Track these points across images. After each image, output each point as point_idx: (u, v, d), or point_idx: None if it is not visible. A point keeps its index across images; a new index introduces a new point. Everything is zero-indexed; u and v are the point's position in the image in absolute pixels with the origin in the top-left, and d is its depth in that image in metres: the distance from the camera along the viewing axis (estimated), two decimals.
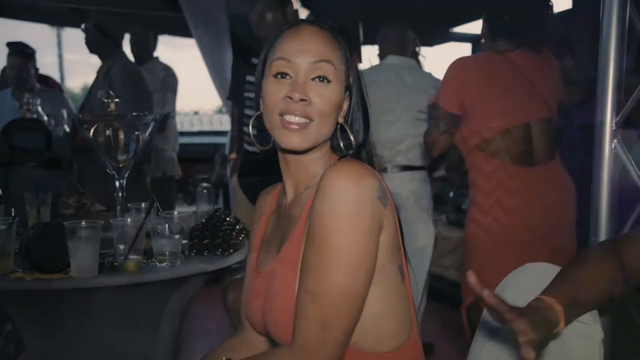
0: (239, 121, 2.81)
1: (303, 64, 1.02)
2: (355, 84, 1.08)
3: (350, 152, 1.08)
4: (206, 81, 4.75)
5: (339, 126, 1.08)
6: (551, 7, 2.23)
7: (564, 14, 4.96)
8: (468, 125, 2.19)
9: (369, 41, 4.41)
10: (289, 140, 1.03)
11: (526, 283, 1.30)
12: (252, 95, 2.66)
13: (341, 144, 1.09)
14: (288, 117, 1.02)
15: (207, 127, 5.93)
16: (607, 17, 1.37)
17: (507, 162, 2.16)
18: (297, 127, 1.01)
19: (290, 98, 1.01)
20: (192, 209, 5.60)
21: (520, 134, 2.16)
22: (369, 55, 5.01)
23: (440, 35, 5.95)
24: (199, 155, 4.96)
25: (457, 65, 2.24)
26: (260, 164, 2.64)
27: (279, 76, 1.03)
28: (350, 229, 0.94)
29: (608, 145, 1.38)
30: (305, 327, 0.95)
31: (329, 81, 1.02)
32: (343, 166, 0.98)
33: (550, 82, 2.26)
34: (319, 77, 1.02)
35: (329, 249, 0.94)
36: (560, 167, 2.26)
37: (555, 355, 1.11)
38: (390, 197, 1.02)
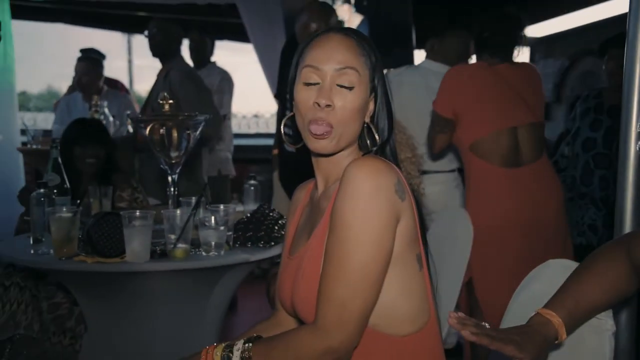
0: (281, 120, 2.93)
1: (329, 70, 1.10)
2: (380, 86, 1.16)
3: (374, 149, 1.17)
4: (264, 85, 4.91)
5: (365, 125, 1.17)
6: (524, 26, 2.48)
7: (626, 15, 4.80)
8: (461, 128, 2.41)
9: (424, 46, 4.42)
10: (316, 145, 1.13)
11: (548, 279, 1.34)
12: None
13: (368, 142, 1.18)
14: (315, 125, 1.11)
15: (264, 130, 6.11)
16: (633, 18, 1.39)
17: (495, 163, 2.37)
18: (322, 133, 1.11)
19: (318, 104, 1.10)
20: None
21: (507, 137, 2.36)
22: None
23: None
24: (255, 156, 5.13)
25: (451, 74, 2.45)
26: (298, 162, 2.75)
27: (308, 83, 1.13)
28: (367, 220, 1.03)
29: (633, 146, 1.39)
30: (325, 308, 1.04)
31: (351, 87, 1.11)
32: (363, 162, 1.06)
33: (534, 91, 2.46)
34: (342, 83, 1.11)
35: (347, 237, 1.03)
36: (547, 166, 2.43)
37: (568, 347, 1.15)
38: (408, 191, 1.10)
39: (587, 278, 1.11)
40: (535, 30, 5.93)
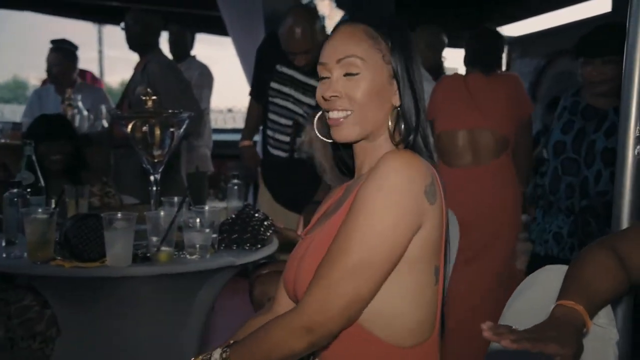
0: (257, 116, 2.87)
1: (332, 64, 1.10)
2: (400, 66, 1.09)
3: (410, 138, 1.09)
4: (241, 79, 4.82)
5: (395, 111, 1.11)
6: (502, 40, 2.83)
7: (603, 16, 4.88)
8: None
9: None
10: (338, 134, 1.11)
11: (546, 284, 1.32)
12: (276, 100, 2.69)
13: (396, 129, 1.10)
14: (331, 114, 1.11)
15: (239, 125, 6.01)
16: (633, 22, 1.37)
17: (442, 161, 2.67)
18: (340, 120, 1.09)
19: (324, 98, 1.10)
20: (223, 204, 5.68)
21: (450, 138, 2.67)
22: None
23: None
24: (232, 152, 5.04)
25: (436, 83, 2.84)
26: (284, 166, 2.70)
27: (321, 79, 1.13)
28: (384, 212, 0.98)
29: (631, 152, 1.37)
30: (314, 285, 0.99)
31: (356, 73, 1.08)
32: (400, 155, 1.02)
33: (496, 100, 2.68)
34: (347, 72, 1.09)
35: (358, 223, 0.99)
36: (493, 173, 2.67)
37: None
38: (442, 197, 1.05)
39: (587, 270, 1.09)
40: (512, 30, 5.99)
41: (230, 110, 7.74)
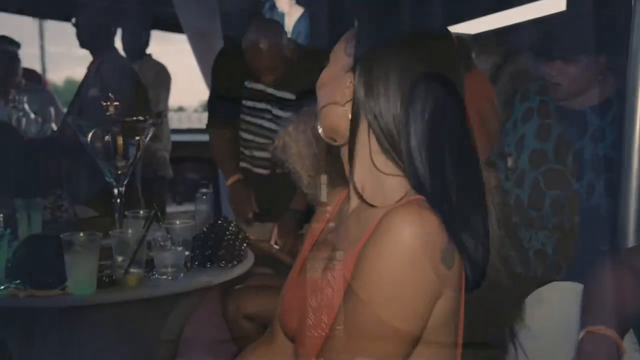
0: (229, 140, 2.52)
1: None
2: (361, 58, 0.94)
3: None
4: (191, 77, 4.62)
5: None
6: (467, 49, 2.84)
7: (558, 14, 4.94)
8: None
9: None
10: None
11: (554, 301, 1.27)
12: (248, 118, 2.44)
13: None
14: None
15: (195, 125, 5.78)
16: (638, 23, 1.31)
17: None
18: None
19: None
20: (182, 208, 5.43)
21: None
22: None
23: None
24: (188, 154, 4.83)
25: None
26: (266, 183, 2.50)
27: None
28: (396, 289, 0.83)
29: (637, 156, 1.32)
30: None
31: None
32: (409, 217, 0.85)
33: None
34: None
35: (370, 307, 0.84)
36: None
37: None
38: (458, 257, 0.89)
39: (605, 294, 1.04)
40: (468, 28, 5.99)
41: (180, 109, 7.47)
